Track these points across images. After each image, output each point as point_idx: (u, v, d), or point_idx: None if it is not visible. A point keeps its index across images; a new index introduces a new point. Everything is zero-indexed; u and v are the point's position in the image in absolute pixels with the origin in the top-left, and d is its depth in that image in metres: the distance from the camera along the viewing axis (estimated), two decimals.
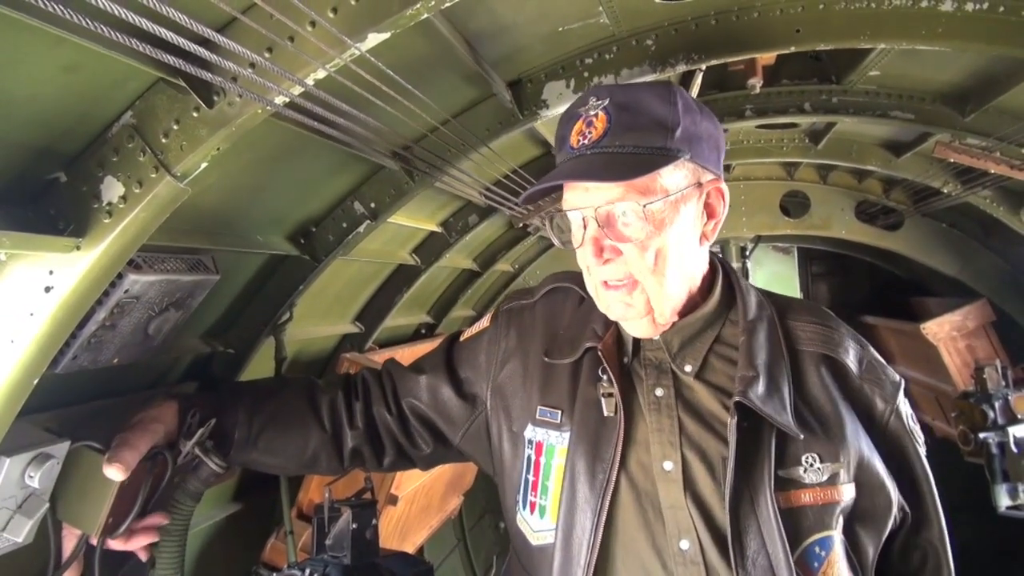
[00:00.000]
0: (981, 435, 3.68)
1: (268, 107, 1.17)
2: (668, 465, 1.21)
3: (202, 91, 1.16)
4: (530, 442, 1.33)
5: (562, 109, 2.13)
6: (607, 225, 1.19)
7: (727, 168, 4.32)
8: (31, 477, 1.18)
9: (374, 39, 1.18)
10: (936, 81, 2.73)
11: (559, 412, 1.31)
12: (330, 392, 1.53)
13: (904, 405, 1.33)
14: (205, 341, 1.97)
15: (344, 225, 2.20)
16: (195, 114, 1.17)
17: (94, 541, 1.28)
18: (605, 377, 1.27)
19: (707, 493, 1.19)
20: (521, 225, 3.52)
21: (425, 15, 1.17)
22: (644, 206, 1.16)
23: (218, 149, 1.21)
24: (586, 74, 2.10)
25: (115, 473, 1.24)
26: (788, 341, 1.30)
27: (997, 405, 3.71)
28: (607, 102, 1.19)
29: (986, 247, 4.97)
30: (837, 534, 1.21)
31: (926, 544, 1.35)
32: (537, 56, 2.10)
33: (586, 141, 1.18)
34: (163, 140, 1.18)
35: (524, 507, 1.32)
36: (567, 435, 1.28)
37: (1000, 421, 3.69)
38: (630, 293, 1.22)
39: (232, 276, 1.91)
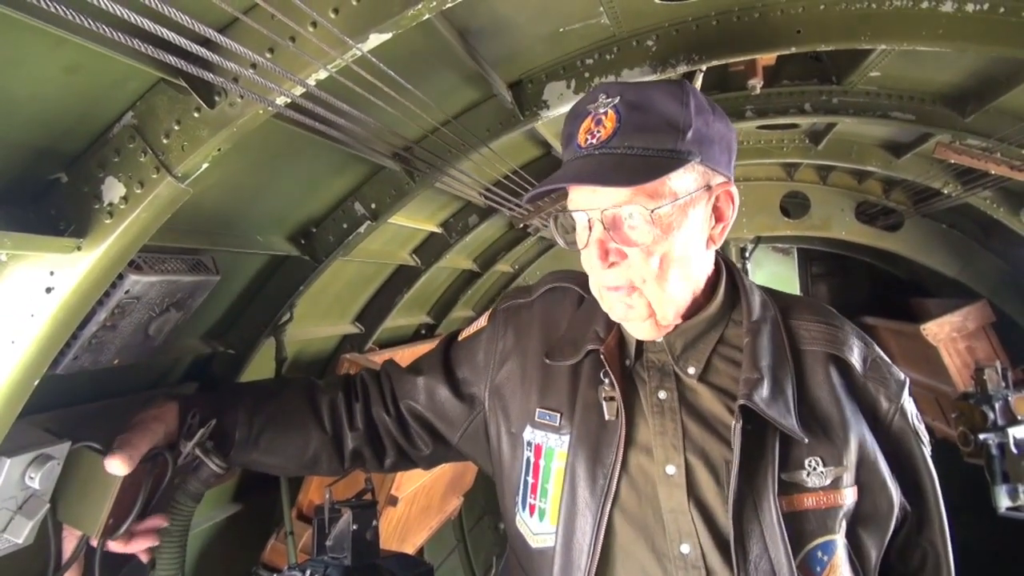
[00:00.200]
0: (981, 436, 3.68)
1: (269, 108, 1.17)
2: (671, 469, 1.20)
3: (203, 91, 1.16)
4: (529, 444, 1.32)
5: (563, 110, 2.15)
6: (613, 228, 1.16)
7: None
8: (31, 478, 1.18)
9: (375, 39, 1.18)
10: (936, 82, 2.73)
11: (558, 415, 1.30)
12: (330, 393, 1.52)
13: (909, 404, 1.32)
14: (205, 342, 1.97)
15: (344, 226, 2.20)
16: (196, 114, 1.17)
17: (94, 542, 1.27)
18: (607, 380, 1.26)
19: (710, 497, 1.18)
20: (521, 226, 3.52)
21: (427, 15, 1.16)
22: (652, 211, 1.13)
23: (219, 150, 1.20)
24: (587, 75, 2.10)
25: (117, 467, 1.23)
26: (792, 341, 1.29)
27: (997, 406, 3.71)
28: (617, 100, 1.15)
29: (986, 248, 4.97)
30: (840, 538, 1.21)
31: (926, 544, 1.33)
32: (538, 57, 2.10)
33: (594, 140, 1.15)
34: (164, 141, 1.18)
35: (523, 509, 1.31)
36: (567, 438, 1.27)
37: (1000, 422, 3.69)
38: (629, 295, 1.20)
39: (232, 277, 1.91)
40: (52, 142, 1.15)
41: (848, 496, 1.21)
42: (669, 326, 1.25)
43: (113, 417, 1.36)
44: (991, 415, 3.70)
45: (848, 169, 4.70)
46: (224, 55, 1.05)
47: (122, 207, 1.15)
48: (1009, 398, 3.72)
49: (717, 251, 1.30)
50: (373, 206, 2.21)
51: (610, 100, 1.16)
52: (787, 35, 1.93)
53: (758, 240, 6.23)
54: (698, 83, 2.38)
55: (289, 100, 1.20)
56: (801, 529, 1.17)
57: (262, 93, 1.14)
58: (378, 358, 2.75)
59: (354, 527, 1.55)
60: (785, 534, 1.13)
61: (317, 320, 2.63)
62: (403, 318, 3.46)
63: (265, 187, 1.83)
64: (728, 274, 1.33)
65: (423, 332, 3.86)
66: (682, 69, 2.01)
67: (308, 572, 1.52)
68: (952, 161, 3.29)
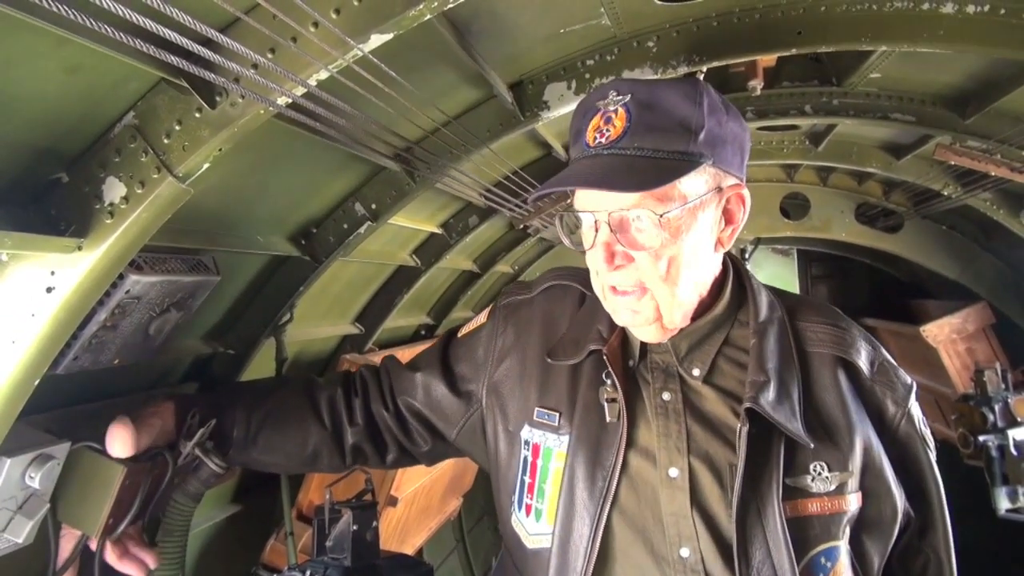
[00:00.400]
0: (981, 438, 3.68)
1: (270, 108, 1.17)
2: (674, 472, 1.18)
3: (204, 92, 1.16)
4: (526, 443, 1.30)
5: (563, 111, 2.15)
6: (620, 231, 1.14)
7: None
8: (32, 478, 1.18)
9: (377, 40, 1.18)
10: (937, 83, 2.73)
11: (557, 415, 1.28)
12: (329, 389, 1.51)
13: (916, 409, 1.29)
14: (206, 342, 1.97)
15: (345, 226, 2.20)
16: (197, 115, 1.17)
17: (94, 543, 1.27)
18: (609, 381, 1.24)
19: (713, 501, 1.16)
20: (521, 227, 3.52)
21: (428, 16, 1.16)
22: (661, 215, 1.10)
23: (220, 150, 1.20)
24: (587, 75, 2.10)
25: (119, 447, 1.22)
26: (798, 343, 1.26)
27: (997, 408, 3.71)
28: (628, 98, 1.12)
29: (986, 249, 4.96)
30: (843, 545, 1.19)
31: (929, 551, 1.31)
32: (538, 57, 2.10)
33: (603, 140, 1.12)
34: (165, 141, 1.18)
35: (519, 509, 1.29)
36: (566, 438, 1.25)
37: (1000, 424, 3.69)
38: (639, 300, 1.17)
39: (233, 277, 1.91)
40: (53, 142, 1.15)
41: (852, 502, 1.19)
42: (675, 329, 1.23)
43: (113, 417, 1.36)
44: (991, 417, 3.70)
45: (848, 170, 4.70)
46: (225, 55, 1.05)
47: (123, 207, 1.15)
48: (1009, 400, 3.72)
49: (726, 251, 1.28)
50: (373, 206, 2.21)
51: (621, 98, 1.13)
52: (788, 36, 1.93)
53: (758, 241, 6.23)
54: None
55: (290, 100, 1.19)
56: (805, 535, 1.15)
57: (263, 93, 1.14)
58: (377, 359, 2.74)
59: (354, 528, 1.55)
60: (789, 540, 1.12)
61: (317, 320, 2.63)
62: (403, 319, 3.46)
63: (266, 187, 1.83)
64: (735, 274, 1.31)
65: (423, 333, 3.86)
66: (682, 70, 2.01)
67: (308, 572, 1.52)
68: (952, 163, 3.28)
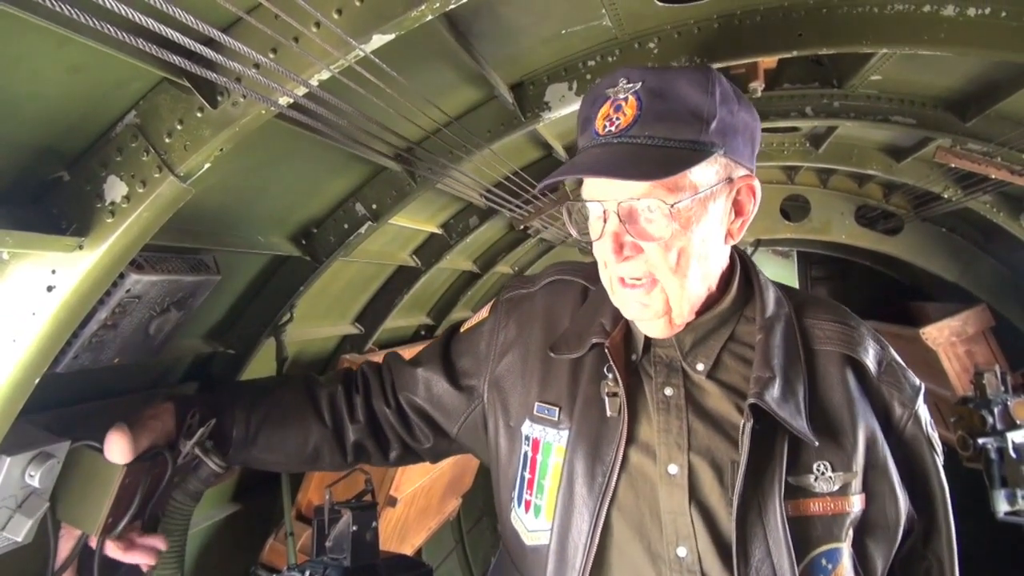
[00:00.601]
0: (980, 441, 3.68)
1: (272, 108, 1.17)
2: (673, 469, 1.17)
3: (206, 91, 1.16)
4: (527, 438, 1.29)
5: (564, 111, 2.15)
6: (629, 221, 1.12)
7: None
8: (31, 476, 1.18)
9: (379, 40, 1.18)
10: (937, 86, 2.74)
11: (557, 409, 1.27)
12: (330, 387, 1.50)
13: (923, 411, 1.28)
14: (206, 341, 1.97)
15: (345, 226, 2.20)
16: (199, 114, 1.17)
17: (93, 542, 1.27)
18: (610, 376, 1.22)
19: (712, 499, 1.14)
20: (522, 227, 3.52)
21: (430, 16, 1.16)
22: (671, 205, 1.09)
23: (221, 149, 1.20)
24: (588, 76, 2.10)
25: (117, 452, 1.20)
26: (805, 340, 1.24)
27: (996, 411, 3.71)
28: (639, 86, 1.10)
29: (986, 252, 4.97)
30: (846, 547, 1.17)
31: (932, 557, 1.29)
32: (539, 58, 2.10)
33: (613, 128, 1.10)
34: (167, 140, 1.18)
35: (519, 505, 1.28)
36: (565, 433, 1.24)
37: (999, 427, 3.69)
38: (648, 292, 1.16)
39: (233, 276, 1.91)
40: (54, 141, 1.15)
41: (856, 503, 1.18)
42: (682, 324, 1.21)
43: (113, 417, 1.36)
44: (990, 419, 3.70)
45: (848, 173, 4.70)
46: (227, 55, 1.05)
47: (124, 206, 1.15)
48: (1008, 402, 3.71)
49: (734, 246, 1.27)
50: (374, 207, 2.21)
51: (631, 86, 1.11)
52: (789, 38, 1.93)
53: (758, 243, 6.22)
54: None
55: (292, 100, 1.19)
56: (806, 535, 1.13)
57: (265, 93, 1.14)
58: (377, 359, 2.75)
59: (354, 528, 1.56)
60: (789, 539, 1.10)
61: (317, 320, 2.63)
62: (403, 319, 3.47)
63: (266, 187, 1.83)
64: (743, 268, 1.29)
65: (423, 333, 3.86)
66: None
67: (307, 573, 1.52)
68: (952, 165, 3.29)
